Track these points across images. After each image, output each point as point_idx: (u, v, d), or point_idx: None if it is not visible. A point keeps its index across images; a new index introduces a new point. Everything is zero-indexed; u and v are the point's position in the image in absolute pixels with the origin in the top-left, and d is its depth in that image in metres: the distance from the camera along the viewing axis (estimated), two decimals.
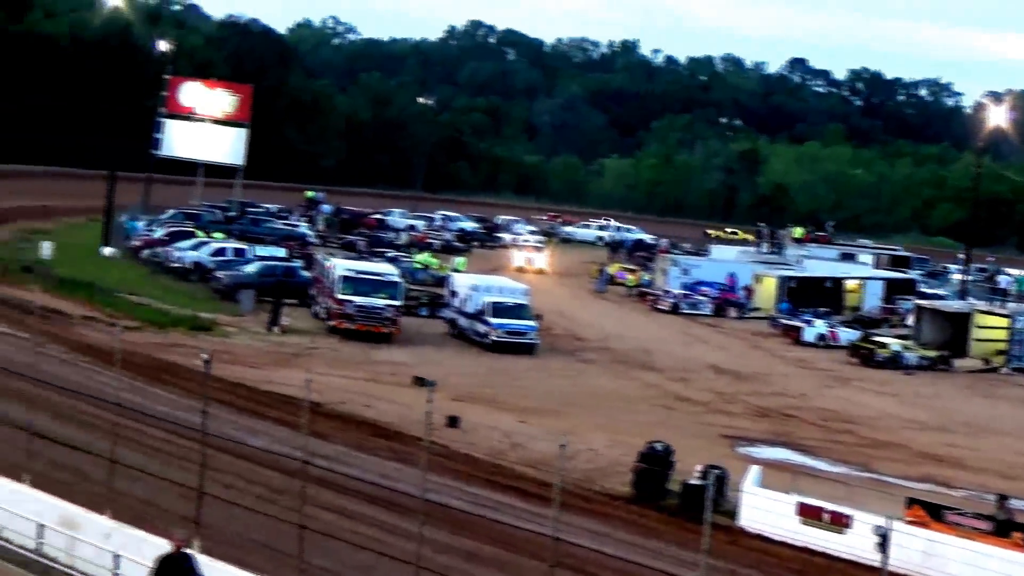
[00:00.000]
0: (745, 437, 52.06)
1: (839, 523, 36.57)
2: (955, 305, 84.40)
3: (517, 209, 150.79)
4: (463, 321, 68.49)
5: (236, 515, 29.82)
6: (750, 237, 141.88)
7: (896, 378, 70.39)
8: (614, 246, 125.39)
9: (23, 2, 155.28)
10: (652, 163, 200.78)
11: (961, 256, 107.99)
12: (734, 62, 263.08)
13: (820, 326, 80.00)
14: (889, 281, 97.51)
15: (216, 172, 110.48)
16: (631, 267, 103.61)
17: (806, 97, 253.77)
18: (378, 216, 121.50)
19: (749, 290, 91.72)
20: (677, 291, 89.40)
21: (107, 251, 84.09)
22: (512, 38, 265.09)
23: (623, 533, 36.40)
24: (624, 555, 31.61)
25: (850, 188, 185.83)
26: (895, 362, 72.93)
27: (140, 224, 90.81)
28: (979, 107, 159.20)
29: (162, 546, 25.79)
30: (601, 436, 47.26)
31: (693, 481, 39.09)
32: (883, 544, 22.13)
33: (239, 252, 78.88)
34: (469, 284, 70.64)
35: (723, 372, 67.31)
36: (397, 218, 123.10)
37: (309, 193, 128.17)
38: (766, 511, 38.08)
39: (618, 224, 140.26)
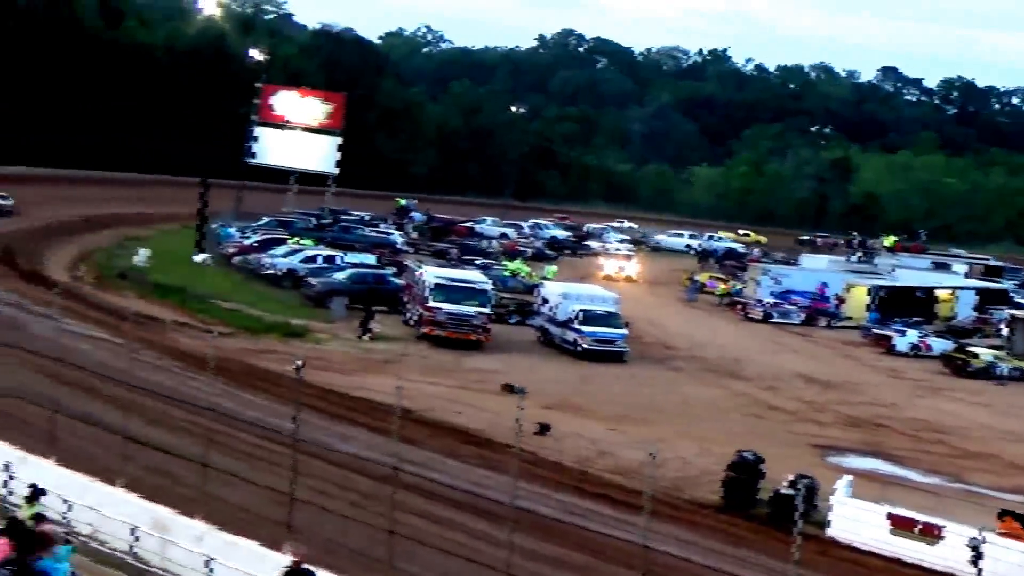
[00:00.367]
0: (835, 447, 51.65)
1: (931, 534, 36.23)
2: None
3: (606, 217, 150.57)
4: (553, 329, 68.38)
5: (327, 520, 29.93)
6: (762, 239, 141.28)
7: (989, 388, 69.65)
8: (704, 255, 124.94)
9: (119, 11, 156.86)
10: (743, 172, 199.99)
11: None
12: (826, 70, 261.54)
13: (912, 336, 79.32)
14: (982, 291, 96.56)
15: (309, 180, 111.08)
16: (721, 276, 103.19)
17: (899, 106, 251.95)
18: (469, 224, 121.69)
19: (840, 299, 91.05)
20: (767, 300, 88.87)
21: (201, 258, 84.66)
22: (603, 47, 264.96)
23: (712, 541, 36.23)
24: (713, 563, 31.47)
25: (942, 197, 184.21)
26: (988, 372, 72.18)
27: (233, 231, 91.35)
28: None
29: (254, 550, 26.02)
30: (690, 444, 47.05)
31: (783, 490, 38.84)
32: (976, 556, 21.97)
33: (331, 259, 79.19)
34: (559, 292, 70.47)
35: (813, 381, 66.82)
36: (487, 226, 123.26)
37: (400, 201, 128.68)
38: (856, 521, 37.77)
39: (708, 233, 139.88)
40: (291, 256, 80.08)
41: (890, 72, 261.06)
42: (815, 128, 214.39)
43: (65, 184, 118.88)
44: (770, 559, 33.44)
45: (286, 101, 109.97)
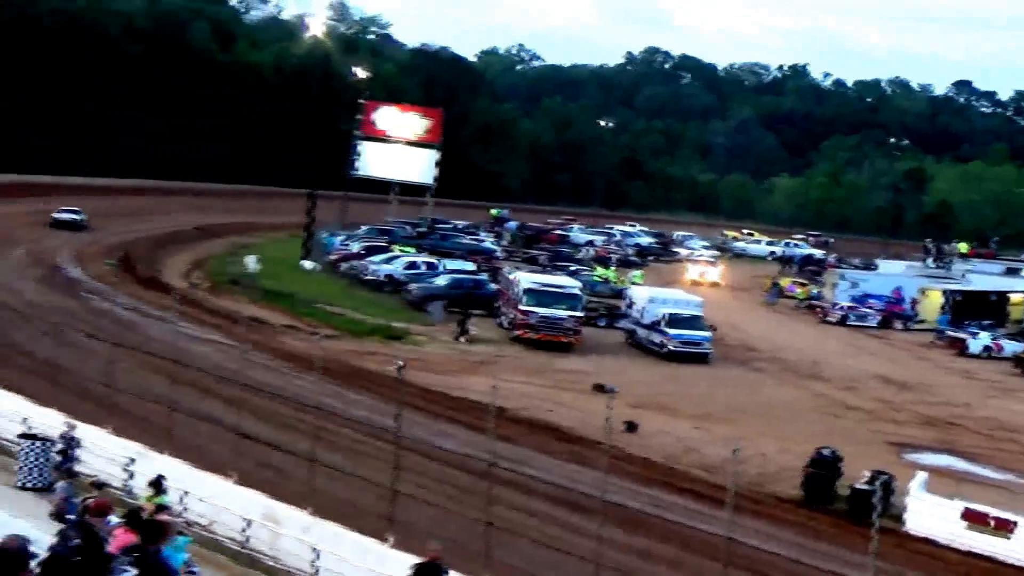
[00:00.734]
0: (911, 444, 51.13)
1: (1004, 528, 35.82)
2: None
3: (691, 225, 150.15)
4: (640, 331, 68.24)
5: (427, 513, 30.00)
6: (764, 237, 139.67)
7: None
8: (784, 260, 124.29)
9: (231, 34, 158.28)
10: (821, 182, 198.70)
11: None
12: (901, 84, 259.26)
13: (985, 338, 78.45)
14: None
15: (408, 191, 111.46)
16: (801, 281, 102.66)
17: (971, 118, 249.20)
18: (560, 232, 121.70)
19: (915, 303, 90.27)
20: (845, 304, 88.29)
21: (307, 264, 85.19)
22: (687, 63, 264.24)
23: (792, 535, 36.02)
24: (794, 556, 31.27)
25: (1014, 206, 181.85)
26: None
27: (338, 239, 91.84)
28: None
29: (358, 540, 26.13)
30: (772, 442, 46.76)
31: (861, 486, 38.52)
32: None
33: (430, 266, 79.45)
34: (646, 296, 70.36)
35: (889, 382, 66.22)
36: (578, 234, 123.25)
37: (495, 210, 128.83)
38: (932, 516, 37.38)
39: (789, 239, 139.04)
40: (392, 263, 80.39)
41: (963, 85, 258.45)
42: (891, 140, 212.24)
43: (187, 195, 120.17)
44: (848, 552, 33.17)
45: (387, 117, 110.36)
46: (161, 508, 22.28)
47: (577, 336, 64.99)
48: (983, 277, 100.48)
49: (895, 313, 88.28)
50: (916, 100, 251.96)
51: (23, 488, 29.39)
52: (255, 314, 59.79)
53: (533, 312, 64.25)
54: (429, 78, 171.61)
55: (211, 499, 28.38)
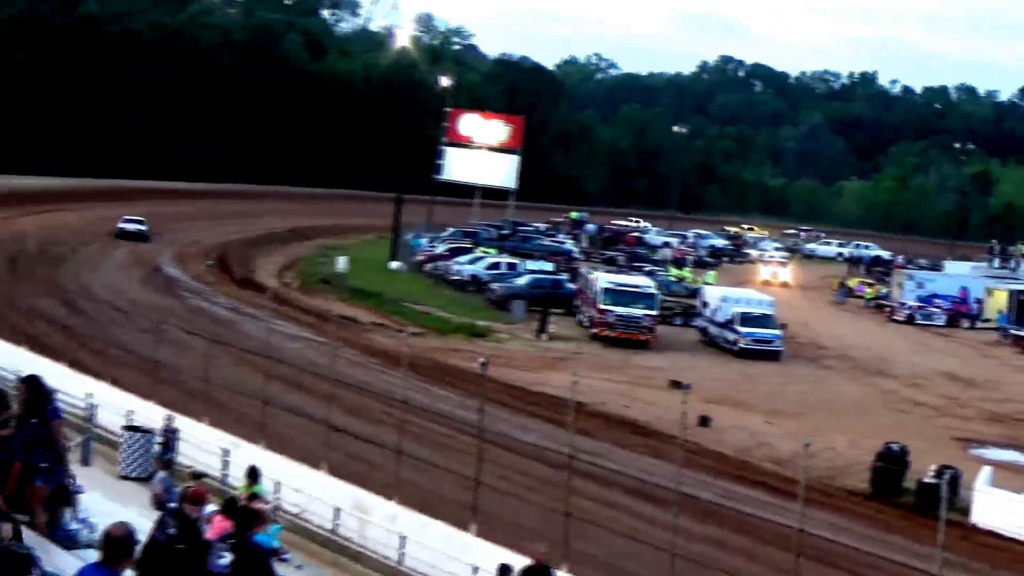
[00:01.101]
0: (977, 440, 50.57)
1: None
2: None
3: (763, 228, 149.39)
4: (713, 329, 67.99)
5: (508, 503, 30.00)
6: (765, 232, 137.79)
7: None
8: (853, 261, 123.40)
9: (322, 46, 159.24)
10: (889, 185, 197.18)
11: None
12: (967, 91, 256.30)
13: None
14: None
15: (491, 194, 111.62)
16: (869, 281, 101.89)
17: None
18: (636, 234, 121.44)
19: (981, 303, 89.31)
20: (912, 303, 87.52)
21: (394, 265, 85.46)
22: (759, 71, 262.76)
23: (861, 527, 35.74)
24: (862, 547, 31.01)
25: None
26: None
27: (423, 241, 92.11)
28: None
29: (442, 529, 26.15)
30: (841, 437, 46.43)
31: (928, 480, 38.22)
32: None
33: (511, 266, 79.51)
34: (719, 296, 70.12)
35: (956, 379, 65.53)
36: (653, 236, 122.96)
37: (574, 213, 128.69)
38: (997, 509, 36.94)
39: (858, 241, 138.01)
40: (475, 263, 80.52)
41: None
42: (957, 145, 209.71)
43: (279, 199, 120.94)
44: (916, 544, 32.87)
45: (471, 124, 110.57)
46: (255, 497, 22.40)
47: (653, 334, 64.86)
48: None
49: (961, 312, 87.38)
50: (982, 105, 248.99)
51: (125, 477, 29.64)
52: (344, 312, 60.00)
53: (611, 311, 64.19)
54: (511, 86, 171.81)
55: (303, 489, 28.50)
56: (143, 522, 15.68)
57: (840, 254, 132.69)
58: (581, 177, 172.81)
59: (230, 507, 18.00)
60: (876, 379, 63.69)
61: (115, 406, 32.99)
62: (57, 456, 15.86)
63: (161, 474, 26.21)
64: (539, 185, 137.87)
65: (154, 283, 59.69)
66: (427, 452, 33.67)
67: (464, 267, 79.84)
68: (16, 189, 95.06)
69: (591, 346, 63.44)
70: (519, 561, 22.50)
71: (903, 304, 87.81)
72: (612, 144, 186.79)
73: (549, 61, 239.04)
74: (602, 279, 67.76)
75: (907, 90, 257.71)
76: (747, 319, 66.02)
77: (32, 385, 16.38)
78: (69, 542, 16.26)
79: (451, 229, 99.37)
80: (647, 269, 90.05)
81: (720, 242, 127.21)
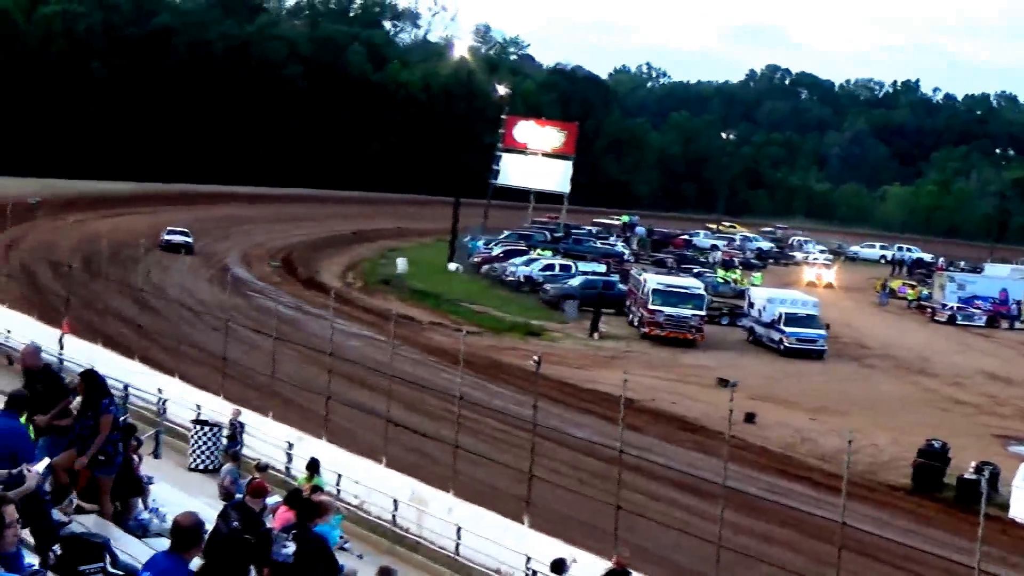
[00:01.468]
0: (1016, 437, 50.11)
1: None
2: None
3: (808, 231, 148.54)
4: (759, 329, 67.80)
5: (560, 496, 30.01)
6: (746, 231, 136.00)
7: None
8: (896, 264, 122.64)
9: (383, 56, 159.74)
10: (931, 190, 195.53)
11: None
12: (1008, 98, 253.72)
13: None
14: None
15: (545, 199, 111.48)
16: (911, 282, 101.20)
17: None
18: (685, 237, 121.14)
19: (1020, 304, 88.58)
20: (953, 304, 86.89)
21: (452, 266, 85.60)
22: (805, 79, 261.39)
23: (902, 521, 35.58)
24: (904, 541, 30.86)
25: None
26: None
27: (480, 243, 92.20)
28: None
29: (497, 521, 26.18)
30: (883, 434, 46.19)
31: (968, 476, 38.04)
32: None
33: (564, 268, 79.46)
34: (765, 297, 69.91)
35: (995, 378, 65.03)
36: (702, 239, 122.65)
37: (624, 217, 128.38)
38: None
39: (901, 245, 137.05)
40: (530, 265, 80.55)
41: None
42: (998, 151, 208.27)
43: (342, 203, 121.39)
44: (956, 538, 32.71)
45: (526, 130, 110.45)
46: (317, 489, 22.52)
47: (700, 333, 64.76)
48: None
49: (1001, 313, 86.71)
50: (1022, 112, 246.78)
51: (194, 469, 29.86)
52: (404, 312, 60.20)
53: (660, 311, 64.15)
54: (565, 94, 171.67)
55: (363, 481, 28.61)
56: (210, 512, 15.80)
57: (883, 257, 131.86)
58: (632, 182, 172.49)
59: (294, 498, 18.11)
60: (918, 378, 63.31)
61: (185, 401, 33.25)
62: (114, 449, 15.91)
63: (228, 466, 26.38)
64: (591, 189, 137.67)
65: (222, 283, 59.93)
66: (482, 446, 33.76)
67: (519, 268, 79.89)
68: (90, 193, 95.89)
69: (641, 345, 63.39)
70: (565, 552, 22.52)
71: (944, 305, 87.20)
72: (662, 150, 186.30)
73: (602, 70, 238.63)
74: (652, 280, 67.67)
75: (949, 97, 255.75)
76: (792, 319, 65.79)
77: (87, 379, 16.44)
78: (140, 531, 16.42)
79: (506, 232, 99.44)
80: (695, 271, 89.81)
81: (766, 245, 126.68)
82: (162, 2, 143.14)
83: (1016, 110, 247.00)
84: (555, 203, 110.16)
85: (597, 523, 27.17)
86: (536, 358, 28.35)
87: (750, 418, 45.46)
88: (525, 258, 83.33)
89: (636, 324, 66.84)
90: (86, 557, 10.32)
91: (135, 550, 13.68)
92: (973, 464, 38.59)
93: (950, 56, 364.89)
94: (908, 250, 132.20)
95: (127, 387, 33.53)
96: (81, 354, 34.35)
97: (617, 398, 30.56)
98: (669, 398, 49.53)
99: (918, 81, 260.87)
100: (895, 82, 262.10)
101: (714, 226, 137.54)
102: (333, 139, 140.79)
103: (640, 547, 27.40)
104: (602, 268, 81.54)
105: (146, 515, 17.09)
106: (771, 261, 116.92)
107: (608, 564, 21.99)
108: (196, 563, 10.55)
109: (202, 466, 30.02)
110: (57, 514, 13.52)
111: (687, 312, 64.39)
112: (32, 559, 11.46)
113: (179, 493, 20.49)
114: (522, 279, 78.02)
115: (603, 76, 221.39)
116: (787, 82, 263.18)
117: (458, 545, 26.07)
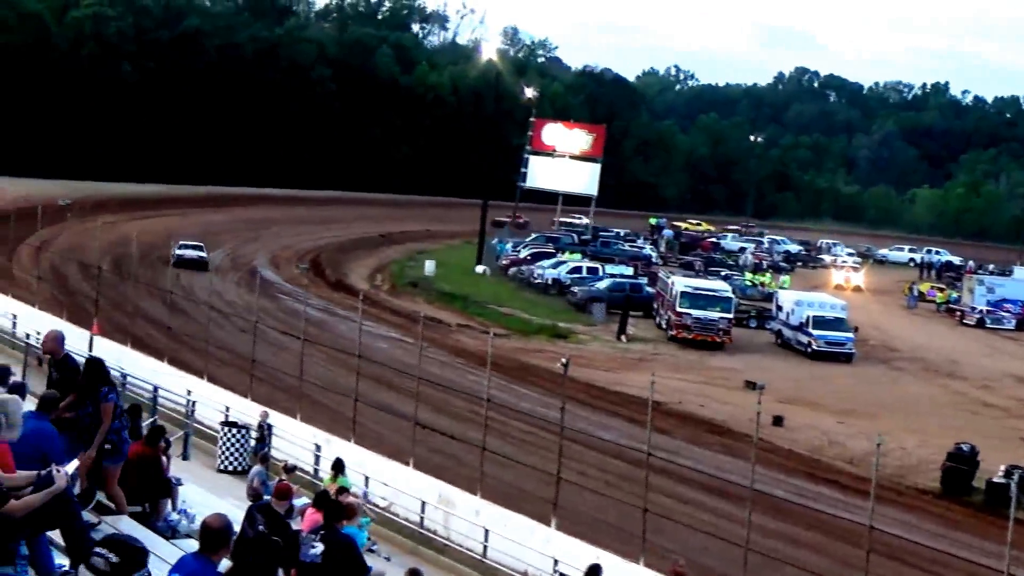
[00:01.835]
0: None
1: None
2: None
3: (836, 234, 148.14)
4: (787, 332, 67.62)
5: (587, 498, 30.01)
6: (712, 228, 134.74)
7: None
8: (924, 266, 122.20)
9: (412, 59, 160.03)
10: (960, 193, 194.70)
11: None
12: None
13: None
14: None
15: (572, 201, 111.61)
16: (940, 285, 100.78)
17: None
18: (713, 240, 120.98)
19: None
20: (982, 307, 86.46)
21: (480, 269, 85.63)
22: (834, 82, 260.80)
23: (931, 525, 35.42)
24: (932, 544, 30.74)
25: None
26: None
27: (508, 246, 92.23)
28: None
29: (523, 523, 26.17)
30: (911, 437, 45.99)
31: (997, 479, 37.81)
32: None
33: (592, 270, 79.35)
34: (793, 299, 69.68)
35: None
36: (730, 241, 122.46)
37: (652, 219, 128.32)
38: None
39: (929, 247, 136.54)
40: (557, 267, 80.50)
41: None
42: None
43: (368, 205, 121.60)
44: (985, 541, 32.51)
45: (554, 133, 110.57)
46: (344, 490, 22.57)
47: (728, 336, 64.63)
48: None
49: None
50: None
51: (223, 471, 29.97)
52: (432, 314, 60.21)
53: (688, 313, 64.04)
54: (593, 97, 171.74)
55: (390, 483, 28.66)
56: (239, 514, 15.85)
57: (912, 260, 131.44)
58: (660, 184, 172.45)
59: (322, 500, 18.17)
60: (946, 381, 63.01)
61: (213, 402, 33.37)
62: (119, 437, 15.89)
63: (257, 468, 26.47)
64: (619, 192, 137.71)
65: (250, 286, 60.10)
66: (509, 448, 33.77)
67: (546, 271, 79.88)
68: (120, 195, 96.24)
69: (668, 347, 63.29)
70: (591, 555, 22.51)
71: (973, 308, 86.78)
72: (690, 152, 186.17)
73: (630, 73, 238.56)
74: (680, 283, 67.60)
75: (978, 100, 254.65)
76: (820, 322, 65.61)
77: (87, 367, 16.40)
78: (169, 532, 16.48)
79: (534, 235, 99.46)
80: (723, 273, 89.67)
81: (794, 247, 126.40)
82: (192, 5, 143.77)
83: None
84: (583, 205, 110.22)
85: (624, 526, 27.16)
86: (564, 360, 28.35)
87: (778, 421, 45.34)
88: (553, 260, 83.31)
89: (664, 327, 66.76)
90: (136, 562, 10.41)
91: (163, 551, 13.73)
92: (1002, 467, 38.35)
93: (980, 58, 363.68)
94: (937, 253, 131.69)
95: (156, 388, 33.75)
96: (111, 355, 34.45)
97: (644, 400, 30.53)
98: (696, 401, 49.44)
99: (947, 83, 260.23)
100: (924, 84, 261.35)
101: (683, 224, 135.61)
102: (361, 141, 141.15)
103: (667, 550, 27.37)
104: (630, 271, 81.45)
105: (175, 516, 17.17)
106: (799, 264, 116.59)
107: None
108: (224, 565, 10.57)
109: (230, 468, 30.15)
110: (87, 515, 13.58)
111: (715, 315, 64.28)
112: (62, 560, 11.51)
113: (207, 495, 20.57)
114: (550, 282, 77.99)
115: (631, 78, 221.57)
116: (815, 84, 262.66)
117: (485, 547, 26.10)
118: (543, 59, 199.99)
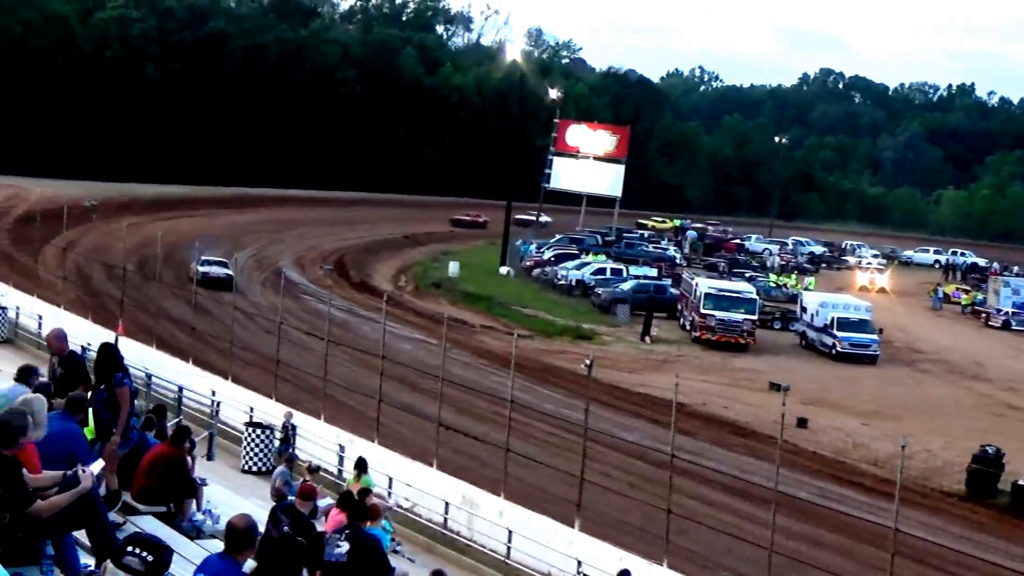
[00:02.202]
0: None
1: None
2: None
3: (861, 235, 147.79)
4: (812, 334, 67.48)
5: (611, 500, 30.00)
6: (676, 224, 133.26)
7: None
8: (949, 268, 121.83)
9: (436, 60, 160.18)
10: (985, 194, 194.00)
11: None
12: None
13: None
14: None
15: (596, 202, 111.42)
16: (965, 287, 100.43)
17: None
18: (737, 241, 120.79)
19: None
20: (1008, 309, 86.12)
21: (504, 270, 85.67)
22: (859, 83, 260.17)
23: (955, 527, 35.30)
24: (957, 547, 30.66)
25: None
26: None
27: (532, 247, 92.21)
28: None
29: (547, 524, 26.16)
30: (936, 439, 45.86)
31: (1022, 482, 37.68)
32: None
33: (616, 271, 79.31)
34: (818, 301, 69.51)
35: None
36: (754, 243, 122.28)
37: (676, 221, 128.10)
38: None
39: (955, 249, 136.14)
40: (581, 269, 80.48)
41: None
42: None
43: (393, 206, 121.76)
44: (1010, 544, 32.50)
45: (578, 134, 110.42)
46: (367, 491, 22.60)
47: (752, 337, 64.54)
48: None
49: None
50: None
51: (247, 471, 30.04)
52: (456, 315, 60.29)
53: (712, 315, 63.99)
54: (617, 98, 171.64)
55: (414, 484, 28.68)
56: (263, 515, 15.90)
57: (937, 261, 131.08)
58: (684, 185, 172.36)
59: (347, 500, 18.22)
60: (971, 383, 62.79)
61: (238, 403, 33.46)
62: (128, 423, 15.88)
63: (281, 468, 26.52)
64: (643, 193, 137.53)
65: (275, 286, 60.23)
66: (533, 449, 33.80)
67: (570, 272, 79.87)
68: (144, 196, 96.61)
69: (692, 349, 63.23)
70: (615, 556, 22.49)
71: (999, 310, 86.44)
72: (714, 154, 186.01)
73: (654, 74, 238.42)
74: (704, 284, 67.52)
75: (1004, 101, 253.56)
76: (844, 324, 65.47)
77: (100, 352, 16.41)
78: (194, 532, 16.54)
79: (558, 236, 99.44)
80: (747, 275, 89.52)
81: (818, 249, 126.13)
82: (216, 7, 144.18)
83: None
84: (607, 207, 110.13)
85: (648, 527, 27.15)
86: (588, 360, 28.33)
87: (802, 423, 45.25)
88: (577, 262, 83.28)
89: (688, 328, 66.71)
90: (163, 562, 10.50)
91: (189, 551, 13.79)
92: None
93: (1006, 60, 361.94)
94: (962, 254, 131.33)
95: (181, 389, 33.85)
96: (135, 356, 34.57)
97: (668, 402, 30.53)
98: (720, 402, 49.37)
99: (973, 85, 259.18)
100: (950, 85, 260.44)
101: (650, 223, 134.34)
102: (386, 142, 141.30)
103: (691, 551, 27.40)
104: (654, 272, 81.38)
105: (199, 517, 17.22)
106: (823, 266, 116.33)
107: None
108: (249, 565, 10.62)
109: (255, 468, 30.22)
110: (112, 515, 13.64)
111: (739, 316, 64.21)
112: (87, 560, 11.57)
113: (232, 495, 20.62)
114: (573, 283, 78.00)
115: (655, 80, 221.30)
116: (840, 86, 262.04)
117: (509, 548, 26.10)
118: (567, 60, 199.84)
